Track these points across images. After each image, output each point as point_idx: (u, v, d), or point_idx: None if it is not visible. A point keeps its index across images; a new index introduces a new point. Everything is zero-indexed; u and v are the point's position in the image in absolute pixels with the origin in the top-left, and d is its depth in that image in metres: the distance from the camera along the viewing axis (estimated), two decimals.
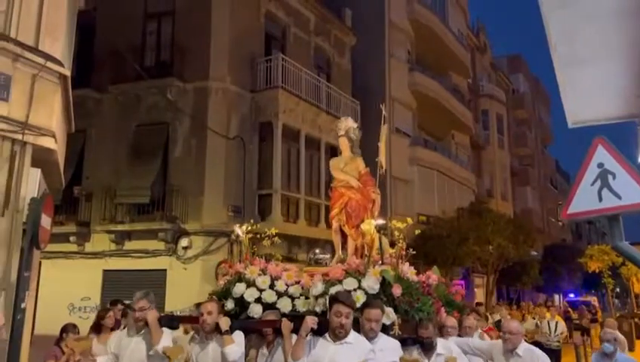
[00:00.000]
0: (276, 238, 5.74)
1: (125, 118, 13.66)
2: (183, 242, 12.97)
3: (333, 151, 16.33)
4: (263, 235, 5.75)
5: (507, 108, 33.55)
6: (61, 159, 7.06)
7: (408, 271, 5.05)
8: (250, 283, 5.07)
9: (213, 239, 12.92)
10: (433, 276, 5.43)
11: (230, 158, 13.43)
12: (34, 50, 5.76)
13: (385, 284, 4.75)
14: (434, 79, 23.19)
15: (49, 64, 5.83)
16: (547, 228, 39.06)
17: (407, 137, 21.32)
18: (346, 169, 6.25)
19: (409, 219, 5.36)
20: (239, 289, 5.03)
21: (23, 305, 5.42)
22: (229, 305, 5.04)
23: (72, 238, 13.30)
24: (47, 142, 5.84)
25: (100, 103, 14.01)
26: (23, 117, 5.59)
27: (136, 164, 13.07)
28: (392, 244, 5.50)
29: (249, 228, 5.72)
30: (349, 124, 6.53)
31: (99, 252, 13.33)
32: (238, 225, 5.83)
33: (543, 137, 43.71)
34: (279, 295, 4.99)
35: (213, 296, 5.26)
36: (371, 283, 4.67)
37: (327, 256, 14.71)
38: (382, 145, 6.72)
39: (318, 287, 4.76)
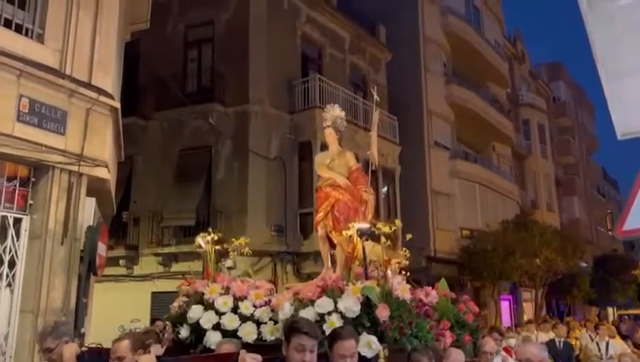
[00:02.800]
0: (246, 250, 5.02)
1: (170, 143, 14.09)
2: (228, 263, 13.17)
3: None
4: (227, 247, 5.08)
5: (549, 117, 32.77)
6: (113, 187, 7.36)
7: (399, 286, 4.01)
8: (209, 306, 4.19)
9: (257, 259, 13.08)
10: (432, 292, 4.41)
11: (271, 179, 13.64)
12: (87, 85, 6.08)
13: (368, 305, 3.82)
14: (471, 90, 22.94)
15: (101, 98, 6.13)
16: (596, 238, 37.65)
17: (446, 150, 21.11)
18: (333, 165, 5.40)
19: (401, 242, 5.02)
20: (195, 312, 4.14)
21: (82, 330, 5.65)
22: (183, 332, 4.21)
23: (121, 262, 13.73)
24: (100, 172, 6.12)
25: (145, 130, 14.51)
26: (78, 149, 5.89)
27: (181, 188, 13.43)
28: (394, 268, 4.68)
29: (214, 237, 4.88)
30: (335, 112, 5.66)
31: (147, 274, 13.70)
32: (200, 235, 4.94)
33: (587, 145, 42.39)
34: (244, 319, 4.10)
35: (152, 326, 4.43)
36: (350, 304, 3.72)
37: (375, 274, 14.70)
38: (373, 135, 5.75)
39: (285, 310, 3.88)
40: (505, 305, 23.00)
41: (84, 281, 5.77)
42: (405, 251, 5.38)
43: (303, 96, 14.59)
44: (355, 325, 3.61)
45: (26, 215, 5.74)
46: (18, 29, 5.78)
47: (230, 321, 4.06)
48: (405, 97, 19.36)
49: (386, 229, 4.43)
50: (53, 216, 5.67)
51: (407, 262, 5.15)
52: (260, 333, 4.03)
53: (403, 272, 4.95)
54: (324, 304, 3.80)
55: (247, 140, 13.47)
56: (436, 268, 18.52)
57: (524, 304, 24.56)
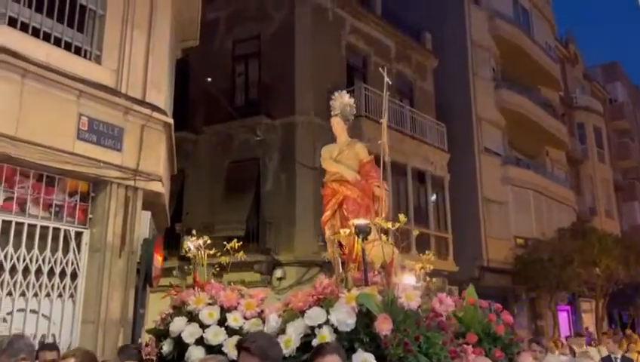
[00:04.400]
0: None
1: (219, 156, 14.41)
2: (278, 273, 13.30)
3: (421, 176, 16.18)
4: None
5: (605, 120, 31.45)
6: (167, 200, 7.59)
7: (404, 293, 3.34)
8: (193, 317, 3.77)
9: (305, 269, 13.14)
10: (447, 300, 3.69)
11: (318, 189, 13.64)
12: (142, 102, 6.31)
13: (368, 316, 3.22)
14: (522, 95, 22.33)
15: (155, 114, 6.35)
16: None
17: (497, 157, 20.60)
18: (341, 158, 4.89)
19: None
20: (177, 325, 3.73)
21: (140, 340, 5.81)
22: (165, 347, 3.78)
23: (174, 272, 14.09)
24: (155, 186, 6.32)
25: (195, 144, 14.90)
26: (134, 164, 6.11)
27: (231, 199, 13.69)
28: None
29: (206, 241, 4.49)
30: (344, 100, 5.19)
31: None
32: (188, 239, 4.62)
33: None
34: (231, 333, 3.61)
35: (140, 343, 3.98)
36: (342, 316, 3.15)
37: (421, 283, 14.47)
38: (384, 122, 5.09)
39: (271, 323, 3.44)
40: (563, 316, 22.11)
41: (141, 292, 5.95)
42: (430, 255, 4.84)
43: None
44: (351, 340, 3.09)
45: (86, 229, 5.99)
46: (77, 51, 6.08)
47: (215, 335, 3.58)
48: (453, 104, 19.07)
49: (389, 226, 4.05)
50: (111, 229, 5.89)
51: (432, 267, 4.69)
52: None
53: (428, 279, 4.64)
54: (315, 315, 3.24)
55: (294, 151, 13.60)
56: (489, 279, 18.03)
57: (583, 315, 23.52)
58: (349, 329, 3.14)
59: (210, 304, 3.81)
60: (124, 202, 5.99)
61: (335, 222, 4.66)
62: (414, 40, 18.56)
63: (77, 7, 6.12)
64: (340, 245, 4.60)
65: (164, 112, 6.62)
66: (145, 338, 4.18)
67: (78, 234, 5.93)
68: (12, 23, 5.55)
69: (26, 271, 5.50)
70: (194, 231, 4.76)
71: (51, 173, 5.76)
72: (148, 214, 6.43)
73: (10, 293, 5.38)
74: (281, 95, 13.99)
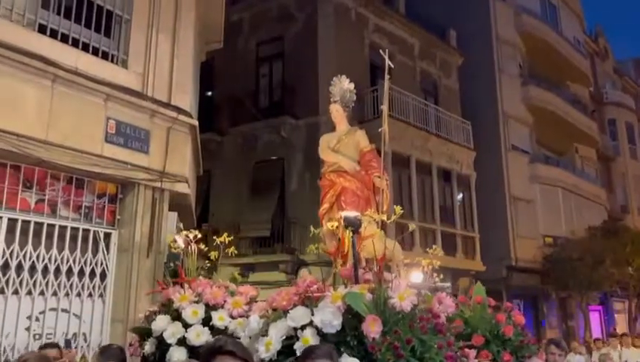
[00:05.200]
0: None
1: (244, 157, 14.53)
2: (303, 272, 13.34)
3: (446, 175, 16.03)
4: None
5: (638, 115, 30.61)
6: (193, 201, 7.69)
7: (396, 293, 2.98)
8: (177, 316, 3.52)
9: (330, 269, 13.15)
10: (447, 300, 3.41)
11: None
12: (168, 105, 6.42)
13: (357, 318, 2.90)
14: (550, 91, 21.91)
15: (181, 117, 6.45)
16: None
17: (525, 154, 20.26)
18: (340, 147, 4.62)
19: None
20: (159, 324, 3.50)
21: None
22: (147, 347, 3.56)
23: (201, 272, 14.27)
24: (181, 188, 6.42)
25: (221, 145, 15.06)
26: (160, 166, 6.21)
27: (256, 200, 13.80)
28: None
29: (197, 235, 4.20)
30: (344, 85, 4.92)
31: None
32: (180, 233, 4.33)
33: None
34: (217, 333, 3.38)
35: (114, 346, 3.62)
36: (327, 317, 2.84)
37: (448, 284, 14.30)
38: (384, 108, 4.73)
39: (252, 324, 3.15)
40: (595, 317, 21.62)
41: None
42: (436, 249, 4.61)
43: (372, 104, 14.56)
44: (337, 343, 2.79)
45: (115, 230, 6.12)
46: (105, 55, 6.21)
47: (197, 335, 3.31)
48: (479, 101, 18.83)
49: (381, 218, 3.83)
50: (139, 230, 6.00)
51: (438, 263, 4.48)
52: None
53: (435, 275, 4.47)
54: (298, 315, 2.92)
55: (318, 151, 13.59)
56: (517, 278, 17.75)
57: (616, 315, 22.95)
58: (334, 331, 2.84)
59: (196, 302, 3.54)
60: (151, 203, 6.10)
61: (333, 215, 4.29)
62: (438, 37, 18.40)
63: (104, 13, 6.25)
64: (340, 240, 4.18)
65: (189, 115, 6.72)
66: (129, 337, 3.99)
67: (107, 235, 6.06)
68: (42, 29, 5.70)
69: (57, 271, 5.65)
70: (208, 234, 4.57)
71: (81, 175, 5.90)
72: (175, 215, 6.53)
73: (42, 293, 5.53)
74: (305, 95, 14.02)
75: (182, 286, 3.75)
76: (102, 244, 5.98)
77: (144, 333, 3.65)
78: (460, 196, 16.22)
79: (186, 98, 6.80)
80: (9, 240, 5.34)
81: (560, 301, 19.78)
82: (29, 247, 5.46)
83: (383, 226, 4.08)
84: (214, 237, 4.37)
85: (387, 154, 13.93)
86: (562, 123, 22.15)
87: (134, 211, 6.05)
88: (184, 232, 4.24)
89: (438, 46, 18.32)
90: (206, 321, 3.45)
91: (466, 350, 3.26)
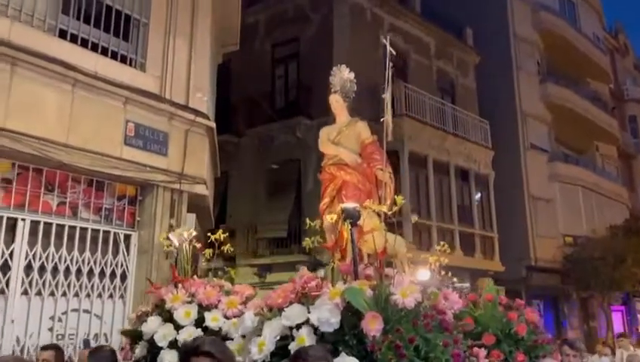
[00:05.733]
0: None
1: (261, 158, 14.59)
2: (320, 273, 13.33)
3: (464, 175, 15.90)
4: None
5: None
6: (211, 202, 7.75)
7: (398, 288, 2.77)
8: (169, 317, 3.36)
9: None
10: (453, 296, 3.21)
11: None
12: (185, 108, 6.48)
13: (356, 316, 2.69)
14: (569, 88, 21.62)
15: (198, 119, 6.51)
16: None
17: (544, 153, 20.02)
18: (340, 139, 4.39)
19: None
20: (150, 326, 3.32)
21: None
22: (138, 350, 3.39)
23: (220, 273, 14.36)
24: (200, 189, 6.48)
25: (237, 146, 15.14)
26: (179, 168, 6.28)
27: (273, 201, 13.85)
28: None
29: (191, 233, 4.01)
30: (344, 75, 4.70)
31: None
32: (175, 231, 4.15)
33: None
34: (210, 334, 3.17)
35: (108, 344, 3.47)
36: (324, 314, 2.67)
37: (467, 284, 14.19)
38: (387, 97, 4.53)
39: (247, 323, 2.96)
40: (617, 317, 21.26)
41: None
42: (444, 246, 4.34)
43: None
44: (335, 342, 2.64)
45: (135, 231, 6.19)
46: (123, 59, 6.29)
47: (189, 337, 3.09)
48: (497, 100, 18.65)
49: (383, 209, 3.66)
50: (158, 231, 6.06)
51: (446, 260, 4.22)
52: None
53: (443, 272, 4.21)
54: (294, 313, 2.74)
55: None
56: (537, 278, 17.54)
57: (639, 316, 22.54)
58: (332, 330, 2.65)
59: (189, 302, 3.37)
60: (170, 205, 6.16)
61: (334, 209, 4.06)
62: (455, 36, 18.27)
63: (122, 17, 6.33)
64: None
65: (206, 117, 6.77)
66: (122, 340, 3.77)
67: (127, 237, 6.14)
68: (62, 34, 5.79)
69: (78, 272, 5.74)
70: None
71: (101, 178, 5.99)
72: (193, 216, 6.59)
73: (64, 294, 5.62)
74: (320, 96, 13.89)
75: (176, 287, 3.55)
76: (122, 246, 6.06)
77: (135, 336, 3.45)
78: (478, 196, 16.08)
79: (204, 100, 6.86)
80: (32, 243, 5.44)
81: (581, 301, 19.49)
82: (52, 249, 5.56)
83: (386, 220, 3.90)
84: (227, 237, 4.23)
85: (403, 152, 13.88)
86: (582, 120, 21.84)
87: (153, 213, 6.12)
88: (178, 230, 4.06)
89: (454, 45, 18.19)
90: (200, 322, 3.28)
91: (476, 349, 3.09)
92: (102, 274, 5.89)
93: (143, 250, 6.10)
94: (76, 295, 5.70)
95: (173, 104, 6.40)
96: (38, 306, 5.45)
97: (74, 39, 5.86)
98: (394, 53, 4.73)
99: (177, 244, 3.94)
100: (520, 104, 19.39)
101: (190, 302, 3.37)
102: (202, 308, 3.34)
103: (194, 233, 4.06)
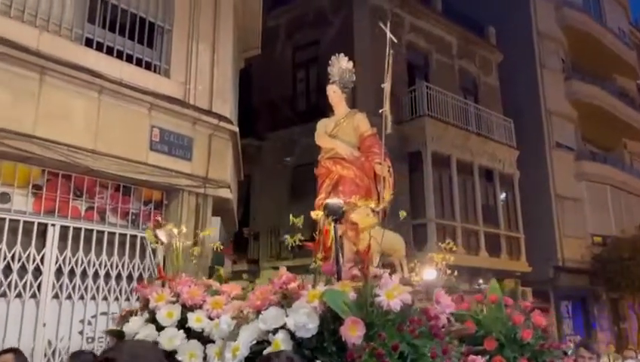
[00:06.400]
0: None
1: (283, 161, 14.65)
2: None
3: (489, 175, 15.71)
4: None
5: None
6: (235, 206, 7.80)
7: (385, 289, 2.49)
8: (151, 318, 3.20)
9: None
10: (445, 299, 2.79)
11: None
12: (209, 112, 6.54)
13: (336, 319, 2.45)
14: (595, 85, 21.18)
15: (222, 123, 6.57)
16: None
17: (570, 151, 19.65)
18: (338, 132, 4.20)
19: None
20: (132, 326, 3.18)
21: None
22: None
23: (244, 275, 14.45)
24: (224, 193, 6.53)
25: (260, 150, 15.24)
26: (203, 172, 6.35)
27: (295, 203, 13.87)
28: None
29: (181, 230, 3.84)
30: (342, 64, 4.51)
31: None
32: (163, 227, 3.91)
33: None
34: (193, 336, 3.02)
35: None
36: (301, 319, 2.47)
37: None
38: (387, 87, 4.31)
39: (223, 326, 2.79)
40: None
41: None
42: (451, 244, 4.17)
43: (410, 105, 14.44)
44: (313, 350, 2.44)
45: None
46: (147, 66, 6.39)
47: (170, 340, 2.93)
48: (521, 98, 18.40)
49: (372, 205, 3.51)
50: (184, 235, 6.11)
51: (452, 258, 4.03)
52: (205, 356, 2.83)
53: (449, 272, 4.05)
54: (271, 317, 2.56)
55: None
56: (565, 279, 17.22)
57: None
58: (309, 336, 2.45)
59: (173, 302, 3.19)
60: (195, 209, 6.23)
61: None
62: (477, 35, 18.08)
63: (146, 25, 6.43)
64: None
65: (230, 121, 6.83)
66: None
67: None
68: (88, 43, 5.91)
69: (107, 276, 5.83)
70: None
71: (127, 183, 6.09)
72: (218, 220, 6.65)
73: (93, 298, 5.72)
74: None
75: (163, 286, 3.39)
76: (149, 250, 6.14)
77: (120, 336, 3.27)
78: (503, 196, 15.86)
79: (227, 105, 6.92)
80: (62, 247, 5.55)
81: (611, 302, 19.05)
82: (80, 254, 5.67)
83: (383, 216, 3.80)
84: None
85: (426, 153, 13.77)
86: (609, 117, 21.38)
87: (179, 217, 6.19)
88: (169, 226, 3.89)
89: (476, 43, 18.01)
90: (184, 323, 3.09)
91: (472, 357, 2.78)
92: (129, 277, 5.98)
93: (169, 254, 6.16)
94: (105, 298, 5.80)
95: (197, 109, 6.47)
96: (69, 310, 5.55)
97: (100, 47, 5.98)
98: (395, 40, 4.54)
99: (165, 241, 3.78)
100: (544, 102, 19.09)
101: (175, 302, 3.19)
102: (187, 309, 3.14)
103: (184, 230, 3.88)
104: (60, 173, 5.65)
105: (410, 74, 15.41)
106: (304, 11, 15.59)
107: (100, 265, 5.78)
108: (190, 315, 3.04)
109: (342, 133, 4.18)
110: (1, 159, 5.24)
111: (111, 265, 5.85)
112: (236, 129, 7.03)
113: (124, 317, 3.31)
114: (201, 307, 3.11)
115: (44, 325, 5.38)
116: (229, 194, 6.65)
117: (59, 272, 5.53)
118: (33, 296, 5.35)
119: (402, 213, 3.70)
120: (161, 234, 3.72)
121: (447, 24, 16.85)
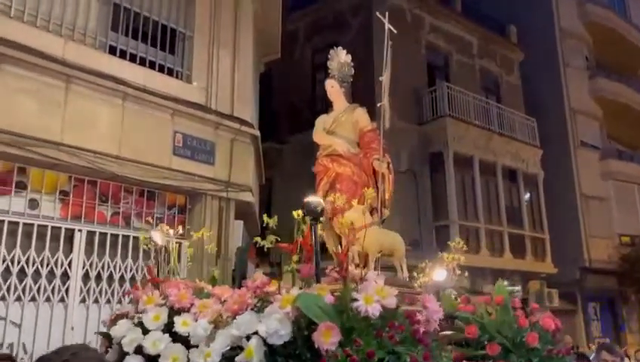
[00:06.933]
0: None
1: (304, 164, 14.61)
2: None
3: (512, 175, 15.50)
4: None
5: None
6: (257, 209, 7.85)
7: (364, 292, 2.33)
8: (138, 321, 3.11)
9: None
10: (431, 302, 2.64)
11: (403, 192, 13.49)
12: (230, 117, 6.60)
13: (311, 325, 2.31)
14: (621, 82, 20.76)
15: (243, 128, 6.62)
16: None
17: (595, 150, 19.28)
18: (336, 128, 4.05)
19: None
20: (119, 329, 3.08)
21: None
22: (110, 354, 3.14)
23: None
24: (246, 197, 6.57)
25: (280, 153, 15.29)
26: (225, 177, 6.40)
27: None
28: None
29: (178, 231, 3.77)
30: (341, 58, 4.35)
31: None
32: (158, 228, 3.81)
33: None
34: (179, 340, 2.91)
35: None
36: (273, 325, 2.35)
37: (518, 287, 13.79)
38: (386, 78, 4.09)
39: (198, 331, 2.70)
40: None
41: None
42: (459, 242, 4.03)
43: (431, 105, 14.35)
44: (288, 356, 2.34)
45: (185, 240, 6.32)
46: (170, 72, 6.48)
47: (154, 344, 2.83)
48: (544, 97, 18.13)
49: (354, 203, 3.34)
50: (207, 239, 6.17)
51: (462, 258, 3.87)
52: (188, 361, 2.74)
53: (459, 272, 3.91)
54: (245, 322, 2.47)
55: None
56: (592, 280, 16.88)
57: None
58: (281, 342, 2.33)
59: (162, 305, 3.10)
60: (218, 213, 6.28)
61: (327, 205, 3.67)
62: (498, 34, 17.89)
63: (168, 31, 6.52)
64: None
65: (251, 125, 6.88)
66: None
67: (178, 245, 6.27)
68: (112, 50, 6.02)
69: (133, 280, 5.90)
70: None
71: (151, 188, 6.17)
72: (240, 223, 6.69)
73: (120, 302, 5.80)
74: (361, 100, 13.86)
75: (156, 288, 3.30)
76: (174, 254, 6.19)
77: (110, 339, 3.18)
78: (527, 196, 15.63)
79: (248, 109, 6.97)
80: (88, 252, 5.65)
81: None
82: (107, 258, 5.76)
83: (381, 216, 3.64)
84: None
85: (447, 154, 13.66)
86: (635, 115, 20.92)
87: (202, 221, 6.25)
88: (164, 227, 3.81)
89: (497, 42, 17.81)
90: (171, 327, 2.99)
91: None
92: None
93: (192, 258, 6.21)
94: (131, 302, 5.85)
95: (219, 114, 6.53)
96: (96, 314, 5.64)
97: (123, 55, 6.08)
98: (394, 31, 4.23)
99: (160, 243, 3.70)
100: (568, 100, 18.77)
101: (162, 305, 3.09)
102: (174, 312, 3.05)
103: (181, 231, 3.74)
104: (86, 179, 5.75)
105: (430, 74, 15.32)
106: (323, 14, 15.62)
107: (125, 269, 5.87)
108: (177, 319, 2.93)
109: (340, 129, 4.04)
110: (30, 166, 5.36)
111: (136, 269, 5.93)
112: (257, 133, 7.07)
113: (114, 320, 3.22)
114: (188, 310, 3.01)
115: (72, 329, 5.48)
116: (251, 197, 6.70)
117: (86, 277, 5.62)
118: (61, 300, 5.45)
119: (386, 212, 3.59)
120: (156, 236, 3.65)
121: (467, 24, 16.70)
